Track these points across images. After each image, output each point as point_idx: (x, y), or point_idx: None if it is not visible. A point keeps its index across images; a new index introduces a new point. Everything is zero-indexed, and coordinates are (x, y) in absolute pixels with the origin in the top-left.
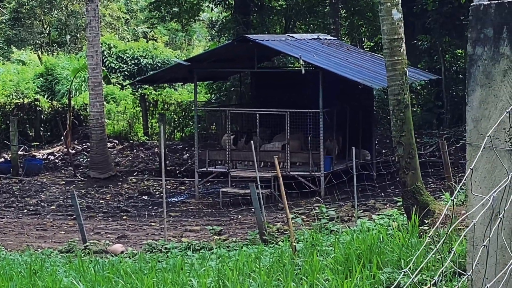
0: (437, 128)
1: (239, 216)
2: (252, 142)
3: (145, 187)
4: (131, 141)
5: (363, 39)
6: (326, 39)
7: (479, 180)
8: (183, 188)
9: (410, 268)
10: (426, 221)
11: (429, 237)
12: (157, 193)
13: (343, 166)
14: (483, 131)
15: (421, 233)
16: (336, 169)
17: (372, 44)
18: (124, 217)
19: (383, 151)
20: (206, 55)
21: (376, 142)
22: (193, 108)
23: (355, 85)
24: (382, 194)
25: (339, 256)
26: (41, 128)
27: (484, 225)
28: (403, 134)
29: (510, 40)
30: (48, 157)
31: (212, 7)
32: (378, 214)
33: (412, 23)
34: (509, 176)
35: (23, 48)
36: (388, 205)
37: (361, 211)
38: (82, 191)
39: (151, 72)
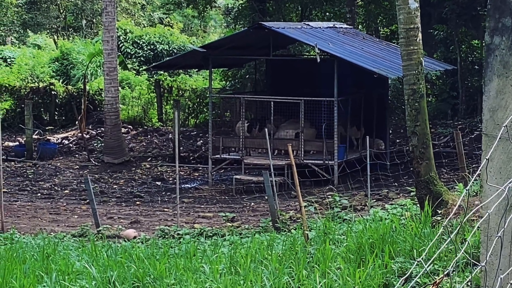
0: (452, 118)
1: (252, 204)
2: (265, 129)
3: (159, 173)
4: (146, 127)
5: (379, 27)
6: (342, 27)
7: (494, 171)
8: (197, 174)
9: (422, 258)
10: (439, 212)
11: (443, 227)
12: (170, 179)
13: (356, 155)
14: (500, 121)
15: (434, 223)
16: (349, 158)
17: (388, 32)
18: (137, 203)
19: (397, 140)
20: (221, 42)
21: (391, 131)
22: (207, 95)
23: (370, 74)
24: (396, 183)
25: (352, 245)
26: (56, 113)
27: (499, 216)
28: (417, 124)
29: None
30: (63, 141)
31: None
32: (391, 204)
33: (429, 13)
34: None
35: (39, 32)
36: (401, 194)
37: (374, 200)
38: (96, 176)
39: (167, 58)
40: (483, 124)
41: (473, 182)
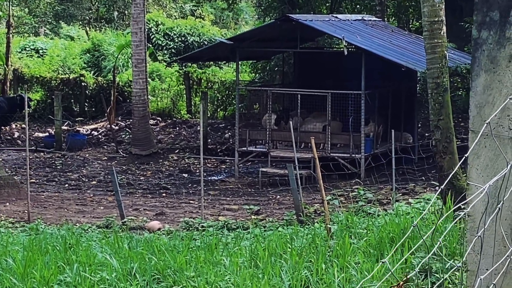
0: None
1: (278, 196)
2: (291, 122)
3: (186, 165)
4: (174, 119)
5: (410, 20)
6: (370, 20)
7: (481, 168)
8: (224, 167)
9: (443, 253)
10: (462, 207)
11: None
12: (197, 171)
13: (384, 148)
14: (487, 118)
15: (456, 218)
16: (376, 151)
17: (418, 25)
18: (164, 194)
19: (426, 134)
20: (248, 34)
21: (419, 125)
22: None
23: (398, 67)
24: (423, 177)
25: (372, 239)
26: (86, 104)
27: (485, 215)
28: (441, 118)
29: None
30: (92, 132)
31: None
32: (416, 198)
33: (460, 6)
34: (509, 165)
35: (71, 24)
36: (428, 188)
37: (401, 194)
38: (124, 167)
39: (196, 50)
40: (470, 121)
41: None
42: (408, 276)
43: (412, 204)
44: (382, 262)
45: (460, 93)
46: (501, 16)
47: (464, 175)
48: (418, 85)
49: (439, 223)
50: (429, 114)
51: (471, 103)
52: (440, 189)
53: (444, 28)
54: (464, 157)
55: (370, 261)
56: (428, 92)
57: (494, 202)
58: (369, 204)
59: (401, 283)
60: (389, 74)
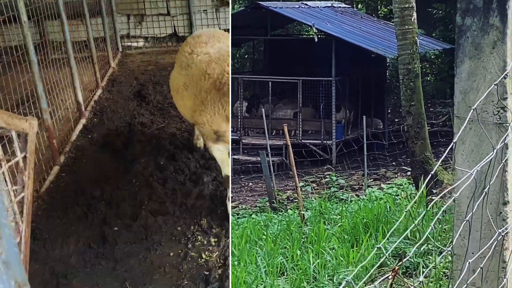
0: (451, 97)
1: (250, 184)
2: (262, 109)
3: None
4: None
5: (379, 7)
6: (340, 7)
7: (466, 153)
8: None
9: (416, 238)
10: (435, 191)
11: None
12: None
13: (354, 135)
14: (472, 103)
15: (428, 203)
16: (347, 137)
17: (386, 11)
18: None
19: (396, 120)
20: None
21: (389, 111)
22: None
23: (368, 53)
24: (394, 163)
25: (346, 225)
26: None
27: (472, 200)
28: (412, 103)
29: (500, 11)
30: None
31: None
32: (388, 183)
33: None
34: (495, 150)
35: None
36: (399, 174)
37: (372, 180)
38: None
39: None
40: (455, 107)
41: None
42: (403, 261)
43: (384, 190)
44: (378, 247)
45: (429, 78)
46: (484, 3)
47: (435, 160)
48: (387, 71)
49: (413, 207)
50: (399, 100)
51: (456, 89)
52: (430, 176)
53: (415, 14)
54: (452, 143)
55: (345, 247)
56: (400, 78)
57: (480, 187)
58: (342, 190)
59: (396, 268)
60: (358, 61)
